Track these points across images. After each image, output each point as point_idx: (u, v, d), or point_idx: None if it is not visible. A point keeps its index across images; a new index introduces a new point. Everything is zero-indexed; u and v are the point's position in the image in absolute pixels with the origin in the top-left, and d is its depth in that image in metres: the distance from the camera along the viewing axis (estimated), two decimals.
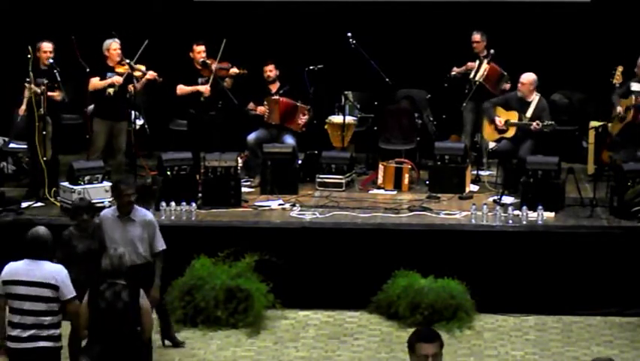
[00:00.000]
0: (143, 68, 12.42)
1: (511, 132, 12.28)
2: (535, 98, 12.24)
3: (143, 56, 12.42)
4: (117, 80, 12.19)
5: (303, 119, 13.02)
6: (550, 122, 11.99)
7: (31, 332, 7.62)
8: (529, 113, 12.18)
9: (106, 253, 8.08)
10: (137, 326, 7.75)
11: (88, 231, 9.16)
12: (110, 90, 12.28)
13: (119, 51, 12.28)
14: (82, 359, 7.88)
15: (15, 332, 7.65)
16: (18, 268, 7.68)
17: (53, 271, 7.67)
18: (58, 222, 10.81)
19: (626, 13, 13.87)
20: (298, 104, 13.00)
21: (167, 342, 9.95)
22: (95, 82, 12.29)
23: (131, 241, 9.13)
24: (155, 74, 12.47)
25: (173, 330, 10.03)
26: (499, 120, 12.29)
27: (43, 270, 7.63)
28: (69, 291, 7.67)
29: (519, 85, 12.27)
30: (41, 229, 7.81)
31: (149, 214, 9.40)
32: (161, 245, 9.32)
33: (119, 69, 12.28)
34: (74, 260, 8.90)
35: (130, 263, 8.20)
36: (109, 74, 12.29)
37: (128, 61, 12.24)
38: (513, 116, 12.27)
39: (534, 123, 11.99)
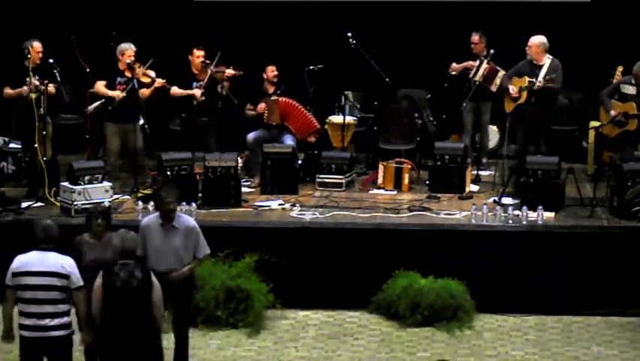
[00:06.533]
0: (152, 74, 12.44)
1: (523, 98, 12.15)
2: (546, 61, 12.15)
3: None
4: (117, 94, 12.21)
5: (312, 139, 13.16)
6: (550, 76, 11.90)
7: (45, 321, 7.89)
8: (540, 76, 12.06)
9: (117, 233, 8.22)
10: (151, 304, 7.92)
11: (101, 240, 8.86)
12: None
13: (133, 58, 12.31)
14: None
15: (29, 321, 7.90)
16: (28, 260, 7.95)
17: (62, 261, 7.95)
18: (58, 223, 10.78)
19: (626, 13, 13.87)
20: (317, 125, 13.12)
21: (165, 342, 9.90)
22: (100, 87, 12.33)
23: (174, 250, 8.90)
24: (164, 81, 12.49)
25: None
26: (512, 89, 12.23)
27: (52, 260, 7.92)
28: (78, 280, 7.96)
29: (527, 48, 12.20)
30: (50, 222, 8.14)
31: (191, 222, 9.07)
32: (204, 251, 9.07)
33: (129, 73, 12.32)
34: (81, 267, 8.87)
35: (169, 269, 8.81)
36: (119, 79, 12.32)
37: (138, 65, 12.26)
38: (524, 82, 12.18)
39: (537, 81, 11.93)
